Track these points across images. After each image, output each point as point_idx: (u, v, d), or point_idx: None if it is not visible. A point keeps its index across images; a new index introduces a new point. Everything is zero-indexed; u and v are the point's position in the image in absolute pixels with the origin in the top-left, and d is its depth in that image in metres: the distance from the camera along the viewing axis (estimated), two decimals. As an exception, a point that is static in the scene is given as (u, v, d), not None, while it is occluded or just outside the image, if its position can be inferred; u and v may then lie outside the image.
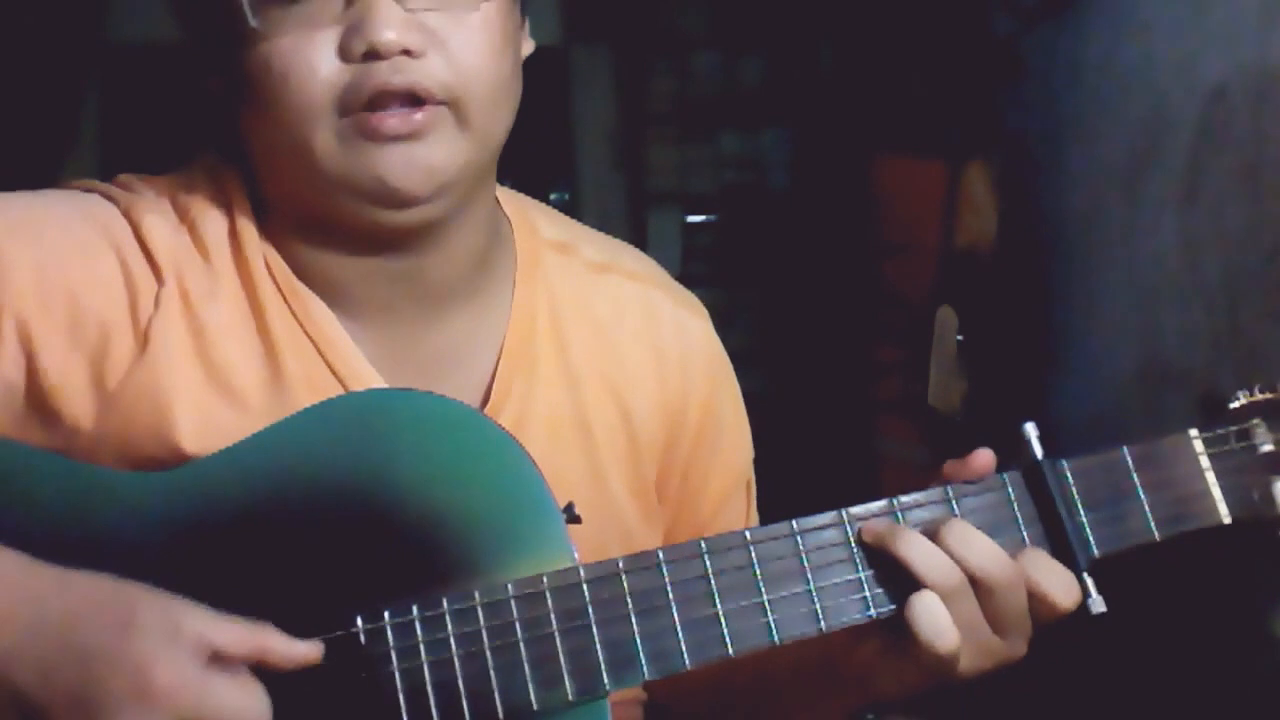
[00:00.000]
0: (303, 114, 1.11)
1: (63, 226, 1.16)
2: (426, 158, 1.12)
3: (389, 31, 1.10)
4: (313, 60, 1.11)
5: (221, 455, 1.09)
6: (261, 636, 1.00)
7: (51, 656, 0.96)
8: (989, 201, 2.97)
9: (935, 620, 1.08)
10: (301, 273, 1.19)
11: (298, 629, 1.02)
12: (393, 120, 1.11)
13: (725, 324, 1.39)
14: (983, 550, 1.09)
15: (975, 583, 1.09)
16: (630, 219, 3.89)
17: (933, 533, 1.10)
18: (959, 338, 3.01)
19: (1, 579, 0.99)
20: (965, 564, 1.09)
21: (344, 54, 1.11)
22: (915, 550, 1.09)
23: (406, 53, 1.11)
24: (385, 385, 1.19)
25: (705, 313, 1.37)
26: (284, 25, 1.11)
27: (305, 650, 1.01)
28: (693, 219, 3.94)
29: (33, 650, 0.96)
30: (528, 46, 1.24)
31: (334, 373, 1.18)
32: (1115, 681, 2.22)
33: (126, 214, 1.18)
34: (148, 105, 3.75)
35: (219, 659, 0.98)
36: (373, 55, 1.10)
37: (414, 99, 1.11)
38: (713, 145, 3.91)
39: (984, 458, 1.15)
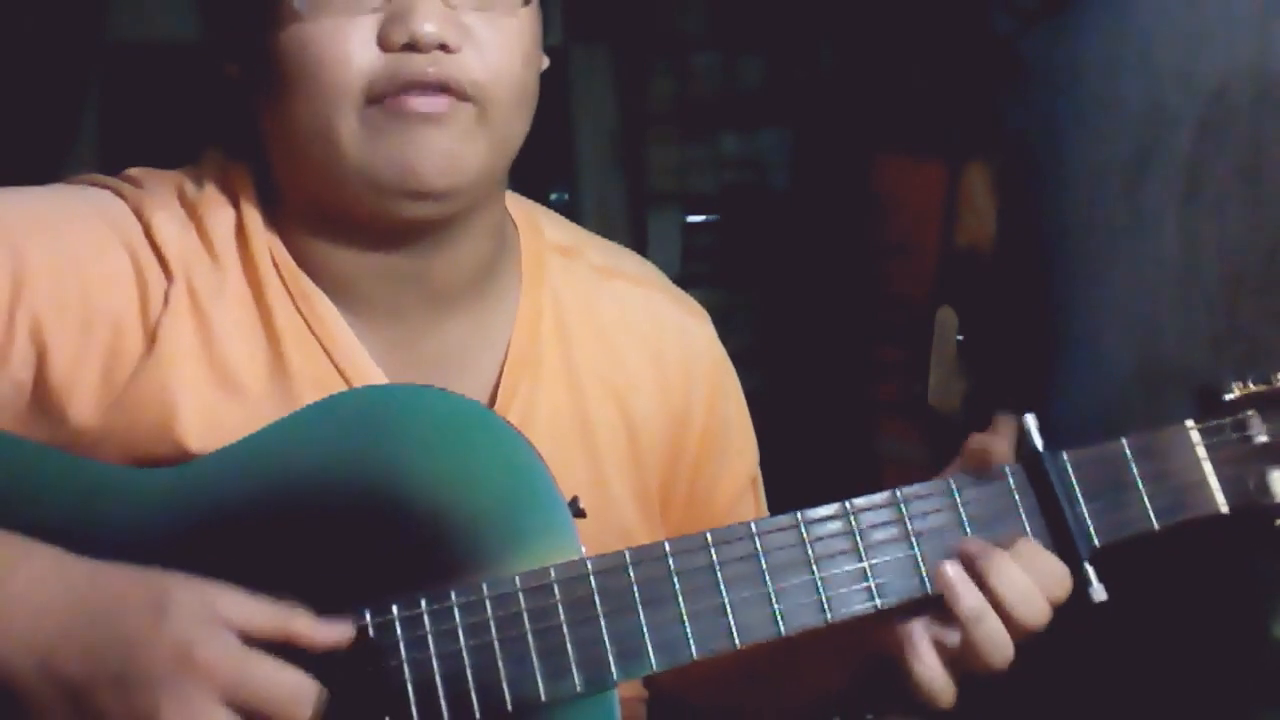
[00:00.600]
0: (332, 98, 1.12)
1: (76, 224, 1.16)
2: (449, 147, 1.13)
3: (429, 24, 1.11)
4: (351, 45, 1.12)
5: (227, 451, 1.09)
6: (288, 618, 1.01)
7: (93, 644, 0.98)
8: (989, 201, 2.97)
9: (935, 683, 1.11)
10: (309, 270, 1.20)
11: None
12: (421, 102, 1.12)
13: (725, 324, 1.40)
14: (1018, 590, 1.10)
15: (1007, 616, 1.10)
16: (630, 219, 3.88)
17: (970, 558, 1.11)
18: (959, 338, 3.01)
19: (37, 574, 1.00)
20: (1001, 601, 1.10)
21: (383, 43, 1.12)
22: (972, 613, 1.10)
23: (444, 47, 1.12)
24: (389, 382, 1.19)
25: (708, 318, 1.38)
26: (326, 8, 1.13)
27: (334, 633, 1.02)
28: (693, 219, 3.93)
29: (75, 640, 0.98)
30: (543, 62, 1.25)
31: (339, 370, 1.18)
32: (1116, 679, 2.22)
33: (136, 211, 1.18)
34: (148, 105, 3.75)
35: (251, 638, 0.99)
36: (411, 47, 1.11)
37: (443, 94, 1.13)
38: (713, 145, 3.90)
39: (980, 444, 1.16)
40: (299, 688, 0.99)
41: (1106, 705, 2.26)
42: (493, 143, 1.16)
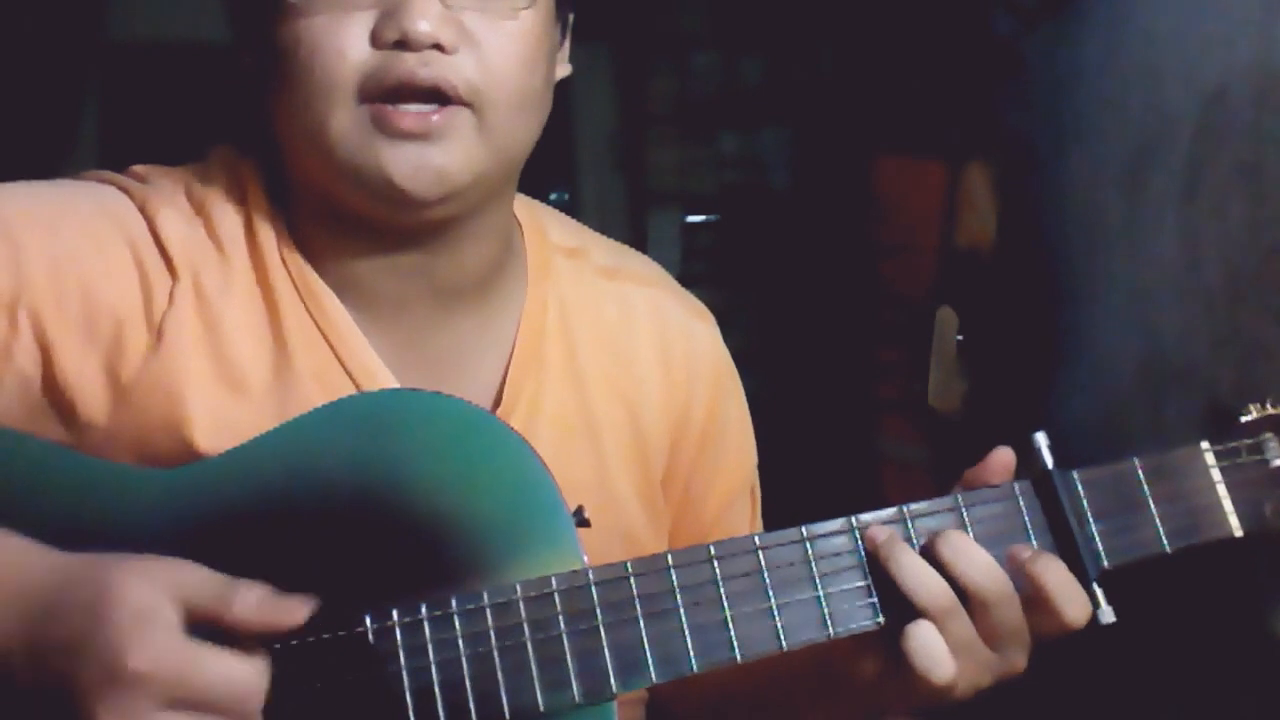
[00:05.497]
0: (324, 94, 1.11)
1: (79, 220, 1.16)
2: (437, 161, 1.12)
3: (423, 22, 1.09)
4: (343, 41, 1.11)
5: (233, 453, 1.09)
6: (226, 596, 0.96)
7: (38, 646, 0.95)
8: (989, 201, 2.97)
9: (931, 650, 1.07)
10: (316, 267, 1.19)
11: (306, 627, 1.02)
12: (409, 119, 1.10)
13: (725, 324, 1.39)
14: (977, 564, 1.08)
15: (968, 598, 1.08)
16: (630, 219, 3.89)
17: (930, 544, 1.10)
18: (959, 338, 3.01)
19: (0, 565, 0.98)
20: (960, 579, 1.08)
21: (375, 39, 1.11)
22: (905, 569, 1.08)
23: (438, 47, 1.10)
24: (396, 381, 1.19)
25: (713, 319, 1.37)
26: (321, 3, 1.12)
27: (286, 609, 0.98)
28: (693, 219, 3.94)
29: (23, 639, 0.95)
30: (563, 69, 1.24)
31: (345, 368, 1.18)
32: (1117, 683, 2.22)
33: (142, 208, 1.18)
34: (148, 105, 3.76)
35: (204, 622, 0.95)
36: (403, 45, 1.10)
37: (436, 96, 1.11)
38: (713, 145, 3.91)
39: (1003, 457, 1.14)
40: (245, 679, 0.95)
41: (1106, 704, 2.26)
42: (492, 149, 1.14)
